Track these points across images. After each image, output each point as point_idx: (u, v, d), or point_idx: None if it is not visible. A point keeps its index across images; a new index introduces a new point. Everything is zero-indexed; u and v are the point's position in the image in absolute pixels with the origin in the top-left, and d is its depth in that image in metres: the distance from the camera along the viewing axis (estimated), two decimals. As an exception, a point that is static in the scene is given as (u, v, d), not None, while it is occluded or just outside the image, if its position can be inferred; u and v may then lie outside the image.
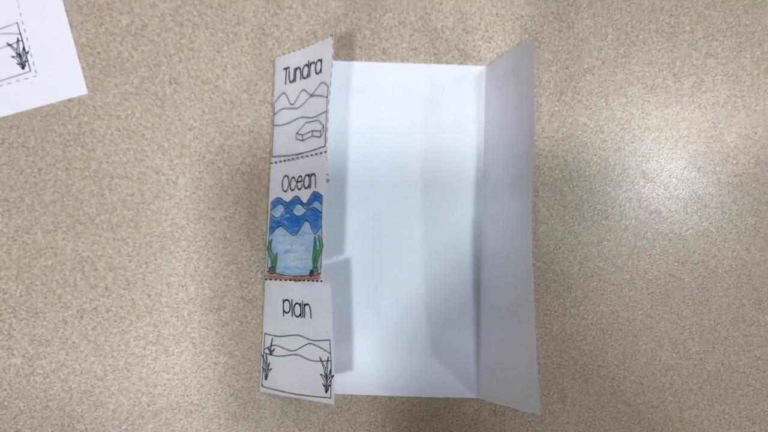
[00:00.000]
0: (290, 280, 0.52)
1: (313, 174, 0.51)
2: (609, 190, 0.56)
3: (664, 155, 0.56)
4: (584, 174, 0.56)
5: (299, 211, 0.52)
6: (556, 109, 0.56)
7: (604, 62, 0.56)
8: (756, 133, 0.56)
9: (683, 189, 0.56)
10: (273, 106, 0.56)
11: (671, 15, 0.57)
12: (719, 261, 0.56)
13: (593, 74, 0.56)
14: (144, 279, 0.55)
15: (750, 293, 0.56)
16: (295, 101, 0.54)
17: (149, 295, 0.55)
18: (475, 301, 0.55)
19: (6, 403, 0.54)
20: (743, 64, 0.57)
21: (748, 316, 0.56)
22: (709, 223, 0.56)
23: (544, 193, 0.56)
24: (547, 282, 0.56)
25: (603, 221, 0.56)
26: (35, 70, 0.56)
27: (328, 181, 0.56)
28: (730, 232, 0.56)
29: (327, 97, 0.51)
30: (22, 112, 0.55)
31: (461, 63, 0.57)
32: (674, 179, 0.56)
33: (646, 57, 0.56)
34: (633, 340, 0.55)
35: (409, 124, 0.56)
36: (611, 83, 0.56)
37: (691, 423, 0.55)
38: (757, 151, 0.56)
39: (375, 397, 0.55)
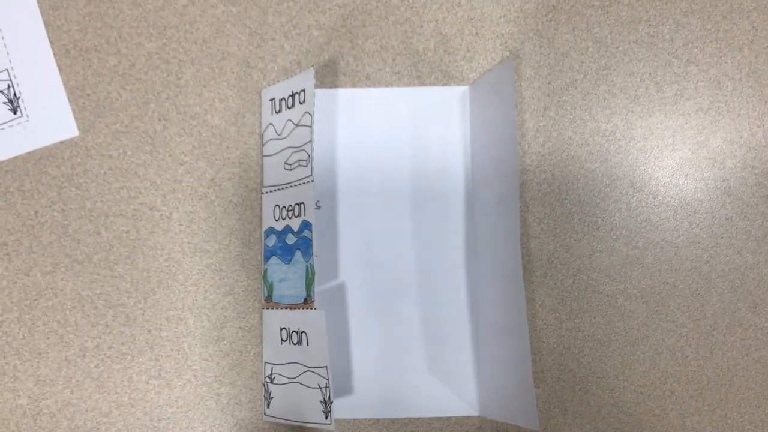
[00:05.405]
0: (286, 308, 0.53)
1: (302, 203, 0.52)
2: (598, 201, 0.56)
3: (650, 164, 0.57)
4: (572, 187, 0.56)
5: (291, 240, 0.53)
6: (541, 124, 0.57)
7: (585, 75, 0.57)
8: (741, 137, 0.57)
9: (672, 196, 0.56)
10: (261, 137, 0.57)
11: (650, 25, 0.57)
12: (712, 266, 0.56)
13: (576, 88, 0.57)
14: (143, 314, 0.56)
15: (745, 297, 0.56)
16: (282, 131, 0.55)
17: (149, 330, 0.56)
18: (471, 319, 0.56)
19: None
20: (725, 70, 0.57)
21: (744, 319, 0.56)
22: (700, 229, 0.56)
23: (533, 208, 0.56)
24: (541, 296, 0.56)
25: (594, 233, 0.56)
26: (27, 115, 0.57)
27: (318, 208, 0.56)
28: (721, 237, 0.56)
29: (311, 126, 0.51)
30: (15, 157, 0.56)
31: (444, 84, 0.57)
32: (662, 187, 0.56)
33: (627, 68, 0.57)
34: (631, 349, 0.56)
35: (397, 147, 0.57)
36: (594, 96, 0.57)
37: (693, 429, 0.55)
38: (743, 154, 0.56)
39: (377, 420, 0.56)
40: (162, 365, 0.56)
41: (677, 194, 0.56)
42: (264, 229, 0.56)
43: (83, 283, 0.56)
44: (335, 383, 0.55)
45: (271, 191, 0.55)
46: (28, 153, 0.57)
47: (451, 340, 0.56)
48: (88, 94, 0.57)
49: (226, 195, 0.57)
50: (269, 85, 0.57)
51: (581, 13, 0.57)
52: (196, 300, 0.56)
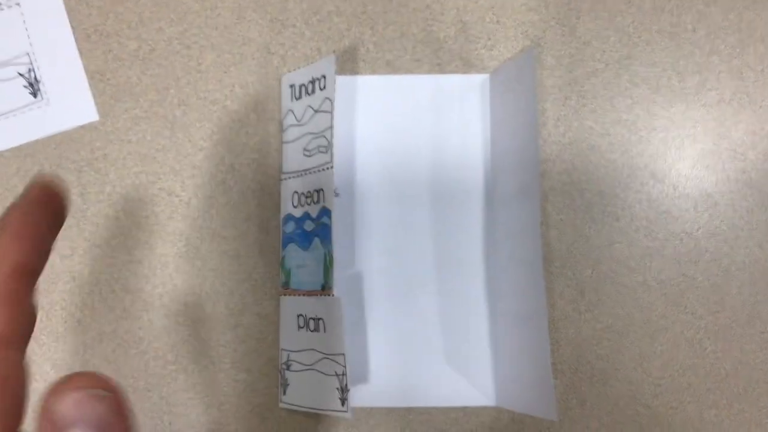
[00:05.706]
0: (303, 295, 0.53)
1: (322, 189, 0.52)
2: (618, 192, 0.56)
3: (671, 155, 0.56)
4: (593, 177, 0.56)
5: (309, 226, 0.53)
6: (562, 113, 0.56)
7: (607, 65, 0.57)
8: (763, 129, 0.56)
9: (692, 188, 0.56)
10: (281, 123, 0.57)
11: (672, 15, 0.57)
12: (732, 259, 0.56)
13: (597, 77, 0.57)
14: (161, 299, 0.56)
15: (764, 290, 0.55)
16: (302, 118, 0.54)
17: (166, 316, 0.56)
18: (489, 309, 0.56)
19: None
20: (747, 61, 0.57)
21: (763, 312, 0.55)
22: (720, 221, 0.56)
23: (553, 198, 0.56)
24: (560, 287, 0.56)
25: (613, 223, 0.56)
26: (47, 99, 0.57)
27: (337, 195, 0.56)
28: (742, 230, 0.56)
29: (331, 112, 0.51)
30: (35, 141, 0.57)
31: (465, 72, 0.57)
32: (683, 178, 0.56)
33: (649, 58, 0.57)
34: (649, 341, 0.55)
35: (416, 135, 0.57)
36: (616, 85, 0.57)
37: (711, 422, 0.55)
38: (765, 146, 0.56)
39: (393, 409, 0.55)
40: (179, 351, 0.56)
41: (698, 185, 0.56)
42: (282, 215, 0.56)
43: (101, 267, 0.56)
44: (351, 371, 0.55)
45: (290, 177, 0.55)
46: (48, 137, 0.57)
47: (469, 330, 0.56)
48: (109, 79, 0.57)
49: (244, 181, 0.57)
50: (289, 71, 0.57)
51: (603, 2, 0.57)
52: (213, 286, 0.56)
